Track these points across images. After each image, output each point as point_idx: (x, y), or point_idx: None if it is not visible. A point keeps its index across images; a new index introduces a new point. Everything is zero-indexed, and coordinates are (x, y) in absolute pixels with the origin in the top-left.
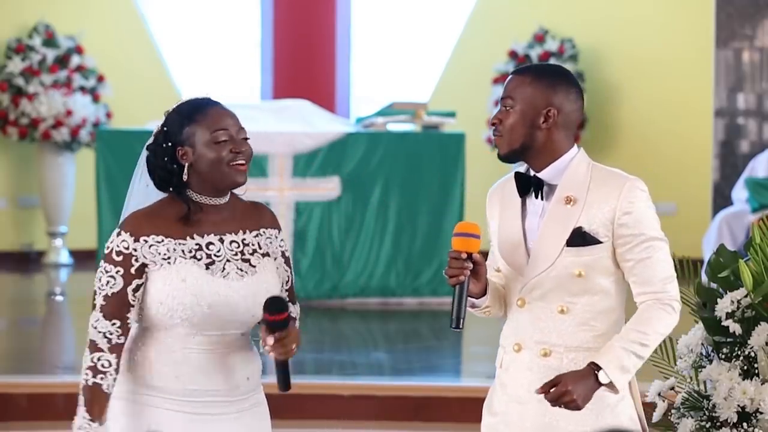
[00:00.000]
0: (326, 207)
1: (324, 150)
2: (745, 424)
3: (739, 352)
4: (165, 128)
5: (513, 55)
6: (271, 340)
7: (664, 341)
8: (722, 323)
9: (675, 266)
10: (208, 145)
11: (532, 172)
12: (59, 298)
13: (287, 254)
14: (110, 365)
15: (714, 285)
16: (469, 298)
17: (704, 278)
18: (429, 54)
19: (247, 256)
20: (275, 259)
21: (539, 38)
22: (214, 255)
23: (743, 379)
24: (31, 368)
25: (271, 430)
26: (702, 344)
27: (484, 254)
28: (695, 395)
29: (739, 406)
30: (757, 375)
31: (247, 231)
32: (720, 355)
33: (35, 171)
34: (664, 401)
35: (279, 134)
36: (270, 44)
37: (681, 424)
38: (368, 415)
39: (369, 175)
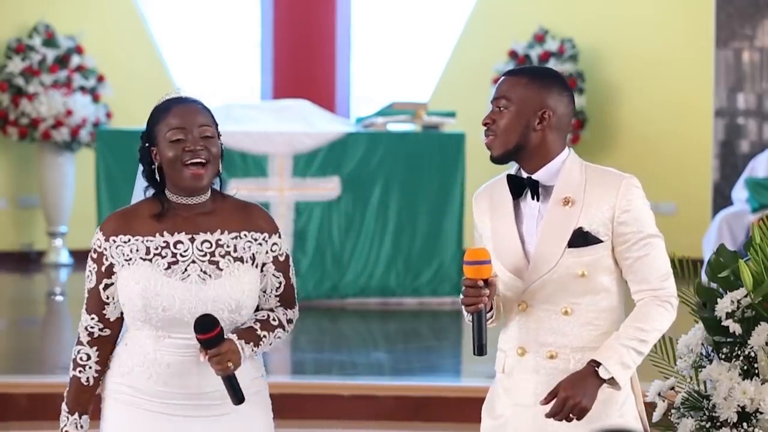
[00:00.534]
0: (326, 207)
1: (324, 150)
2: (745, 424)
3: (739, 352)
4: (145, 129)
5: (513, 55)
6: (202, 358)
7: (663, 341)
8: (722, 323)
9: (674, 266)
10: (166, 144)
11: (524, 174)
12: (59, 298)
13: (282, 258)
14: (89, 358)
15: (714, 285)
16: None
17: (704, 278)
18: (429, 54)
19: (217, 258)
20: (255, 264)
21: (539, 38)
22: (180, 255)
23: (743, 379)
24: (31, 368)
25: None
26: (702, 344)
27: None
28: (695, 395)
29: (739, 406)
30: (757, 375)
31: (225, 232)
32: (720, 355)
33: (35, 171)
34: (664, 401)
35: (279, 134)
36: (270, 44)
37: (681, 424)
38: (368, 415)
39: (369, 175)
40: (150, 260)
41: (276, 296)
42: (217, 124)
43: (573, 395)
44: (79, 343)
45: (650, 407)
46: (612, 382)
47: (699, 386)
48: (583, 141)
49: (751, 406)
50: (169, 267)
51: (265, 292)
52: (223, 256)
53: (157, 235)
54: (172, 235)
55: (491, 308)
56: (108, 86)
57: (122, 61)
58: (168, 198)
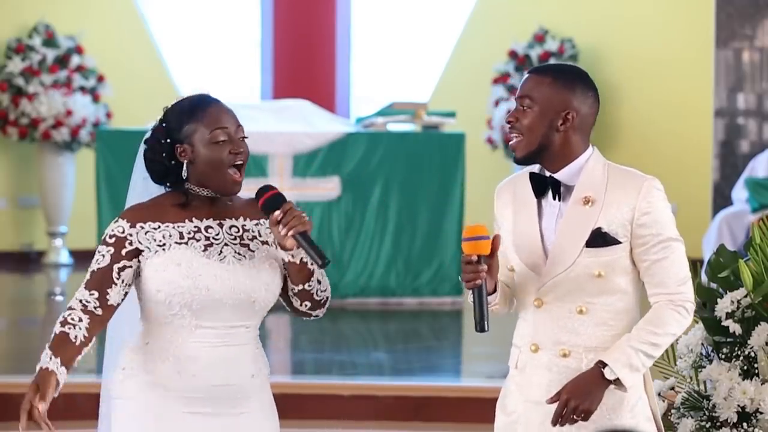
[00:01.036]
0: (326, 207)
1: (324, 150)
2: (745, 424)
3: (739, 352)
4: (164, 124)
5: (513, 55)
6: (279, 214)
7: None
8: (722, 323)
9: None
10: (206, 145)
11: (546, 173)
12: (59, 298)
13: None
14: (81, 320)
15: (714, 285)
16: None
17: (704, 278)
18: (429, 54)
19: (246, 242)
20: (276, 248)
21: (539, 38)
22: (213, 238)
23: (743, 379)
24: (31, 368)
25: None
26: (702, 344)
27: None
28: (695, 395)
29: (739, 406)
30: (757, 375)
31: (248, 219)
32: (720, 355)
33: (35, 171)
34: (664, 401)
35: (279, 134)
36: (270, 44)
37: (681, 424)
38: (368, 415)
39: (369, 175)
40: (186, 243)
41: None
42: None
43: (577, 397)
44: (70, 308)
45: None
46: (618, 383)
47: (699, 386)
48: None
49: (751, 406)
50: (205, 249)
51: None
52: (251, 240)
53: (186, 221)
54: (201, 221)
55: (495, 290)
56: (108, 86)
57: (122, 61)
58: (190, 190)
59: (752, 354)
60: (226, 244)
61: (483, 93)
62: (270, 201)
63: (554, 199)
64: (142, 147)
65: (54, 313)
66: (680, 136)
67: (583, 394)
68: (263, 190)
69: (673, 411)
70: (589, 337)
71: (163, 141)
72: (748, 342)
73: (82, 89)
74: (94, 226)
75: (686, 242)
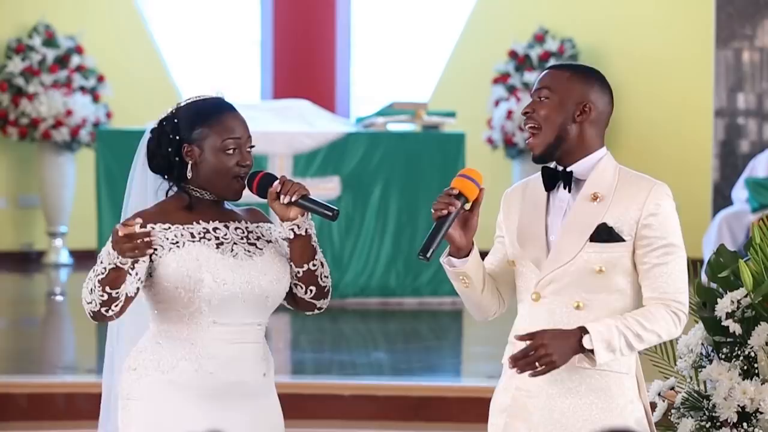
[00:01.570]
0: None
1: (324, 150)
2: (745, 424)
3: (739, 352)
4: (176, 120)
5: (513, 55)
6: (277, 185)
7: (663, 341)
8: (722, 323)
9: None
10: (215, 152)
11: (559, 168)
12: (59, 298)
13: None
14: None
15: (714, 285)
16: (450, 258)
17: (704, 278)
18: (429, 54)
19: (253, 241)
20: (279, 245)
21: (539, 38)
22: (222, 237)
23: (743, 379)
24: (31, 368)
25: (284, 429)
26: (702, 344)
27: (483, 253)
28: (695, 395)
29: (739, 406)
30: (757, 375)
31: (249, 222)
32: (720, 355)
33: (35, 171)
34: (664, 401)
35: (279, 134)
36: (270, 44)
37: (681, 424)
38: (368, 415)
39: (369, 175)
40: (199, 241)
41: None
42: None
43: (549, 347)
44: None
45: (650, 407)
46: (589, 357)
47: (699, 386)
48: None
49: (751, 406)
50: (218, 247)
51: None
52: (257, 239)
53: (194, 222)
54: (208, 222)
55: (469, 253)
56: (108, 86)
57: (122, 61)
58: (194, 191)
59: (752, 354)
60: (235, 243)
61: (483, 93)
62: (264, 180)
63: (564, 189)
64: (147, 135)
65: (54, 314)
66: (680, 136)
67: (557, 346)
68: (253, 175)
69: (673, 411)
70: None
71: (171, 136)
72: (748, 342)
73: (82, 89)
74: (94, 226)
75: (686, 242)
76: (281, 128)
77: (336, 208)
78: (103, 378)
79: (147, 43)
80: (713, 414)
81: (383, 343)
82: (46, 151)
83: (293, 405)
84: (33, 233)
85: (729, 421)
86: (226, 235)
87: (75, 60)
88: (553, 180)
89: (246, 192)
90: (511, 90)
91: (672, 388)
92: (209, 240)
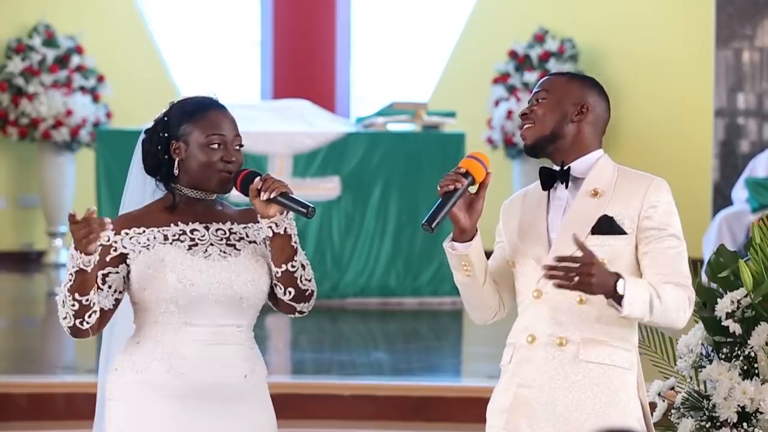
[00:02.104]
0: (326, 207)
1: (324, 150)
2: (745, 424)
3: (739, 352)
4: (166, 118)
5: (513, 55)
6: (258, 181)
7: (663, 341)
8: (722, 323)
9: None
10: (200, 147)
11: (557, 168)
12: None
13: None
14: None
15: (714, 285)
16: (452, 243)
17: (704, 278)
18: (429, 54)
19: (233, 242)
20: (267, 246)
21: (539, 38)
22: (198, 239)
23: (743, 379)
24: (31, 368)
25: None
26: (702, 344)
27: (488, 253)
28: (695, 395)
29: (739, 406)
30: (757, 375)
31: (235, 223)
32: (720, 355)
33: (35, 171)
34: (664, 401)
35: (279, 134)
36: (270, 44)
37: (681, 424)
38: (368, 415)
39: (369, 175)
40: (170, 243)
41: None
42: None
43: (594, 268)
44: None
45: (650, 407)
46: (618, 301)
47: (699, 386)
48: None
49: (751, 406)
50: (190, 248)
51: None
52: (238, 240)
53: (172, 224)
54: (187, 224)
55: (472, 239)
56: (108, 86)
57: (122, 61)
58: (180, 191)
59: (752, 354)
60: (211, 244)
61: (483, 93)
62: (247, 177)
63: (562, 184)
64: (142, 136)
65: (54, 314)
66: (680, 136)
67: (600, 275)
68: (238, 173)
69: (673, 411)
70: (587, 328)
71: (161, 134)
72: (748, 342)
73: (82, 89)
74: None
75: (686, 242)
76: (281, 128)
77: (312, 205)
78: (98, 378)
79: (147, 43)
80: (713, 414)
81: (383, 343)
82: (46, 151)
83: (293, 405)
84: (33, 233)
85: (729, 421)
86: (203, 236)
87: (75, 60)
88: (551, 179)
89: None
90: (511, 90)
91: (672, 388)
92: (182, 242)
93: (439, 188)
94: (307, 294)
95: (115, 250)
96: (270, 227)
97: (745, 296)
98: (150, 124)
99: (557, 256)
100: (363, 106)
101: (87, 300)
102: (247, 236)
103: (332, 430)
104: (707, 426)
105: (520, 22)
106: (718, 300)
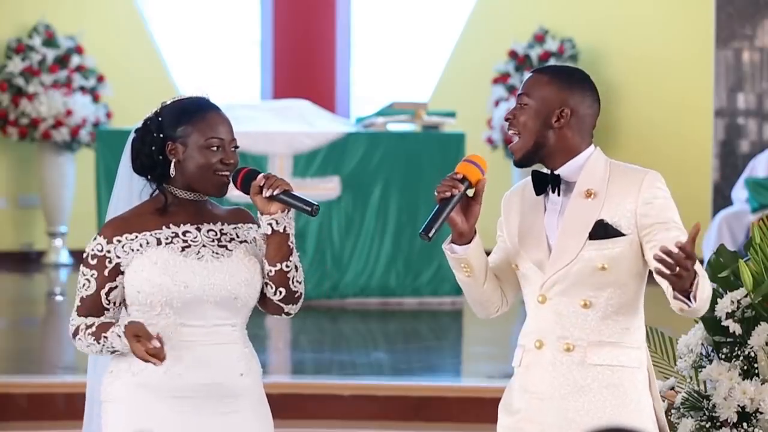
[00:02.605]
0: (326, 207)
1: (324, 150)
2: (745, 424)
3: (739, 352)
4: (160, 119)
5: (513, 55)
6: (260, 178)
7: (663, 341)
8: (722, 323)
9: None
10: (199, 150)
11: (547, 171)
12: (59, 298)
13: None
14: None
15: (714, 285)
16: (451, 245)
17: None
18: (429, 54)
19: (224, 243)
20: (257, 246)
21: (539, 38)
22: (191, 240)
23: (743, 379)
24: (31, 368)
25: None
26: (702, 344)
27: (488, 252)
28: (695, 395)
29: (739, 406)
30: (757, 375)
31: (226, 223)
32: (720, 355)
33: (35, 171)
34: (664, 401)
35: (279, 134)
36: (270, 44)
37: (681, 424)
38: (368, 415)
39: (369, 175)
40: (164, 246)
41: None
42: None
43: (693, 264)
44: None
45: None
46: (691, 294)
47: (699, 386)
48: None
49: (751, 406)
50: (183, 250)
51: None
52: (229, 241)
53: (164, 227)
54: (179, 226)
55: (470, 241)
56: (108, 86)
57: (122, 61)
58: (172, 192)
59: (752, 354)
60: (204, 245)
61: (483, 93)
62: (248, 175)
63: (553, 192)
64: (131, 135)
65: (54, 314)
66: (680, 136)
67: (692, 271)
68: (238, 172)
69: (673, 411)
70: (592, 331)
71: (155, 134)
72: (748, 342)
73: (82, 89)
74: (94, 226)
75: None
76: (281, 128)
77: (316, 203)
78: (87, 379)
79: (147, 43)
80: (713, 414)
81: (383, 343)
82: (46, 151)
83: (293, 405)
84: (33, 233)
85: (729, 421)
86: (195, 237)
87: (75, 60)
88: (543, 184)
89: (241, 192)
90: (511, 90)
91: (672, 388)
92: (175, 244)
93: (436, 194)
94: (296, 296)
95: (110, 262)
96: (270, 224)
97: (745, 296)
98: (139, 123)
99: (668, 248)
100: (363, 106)
101: (98, 327)
102: (238, 236)
103: (332, 430)
104: (707, 426)
105: (520, 22)
106: (718, 300)
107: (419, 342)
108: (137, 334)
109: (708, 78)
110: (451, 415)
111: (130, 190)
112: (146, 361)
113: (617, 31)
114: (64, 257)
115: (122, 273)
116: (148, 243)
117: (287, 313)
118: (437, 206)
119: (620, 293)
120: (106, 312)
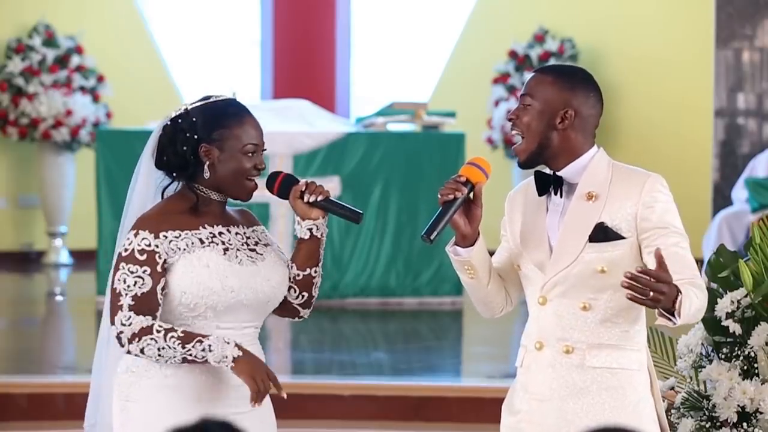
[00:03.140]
0: None
1: (324, 150)
2: (745, 424)
3: (739, 352)
4: (194, 119)
5: (513, 55)
6: (302, 184)
7: (663, 341)
8: (722, 323)
9: None
10: (236, 155)
11: (549, 172)
12: (59, 298)
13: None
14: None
15: (714, 285)
16: (455, 247)
17: (704, 278)
18: (429, 54)
19: (252, 246)
20: (275, 247)
21: (539, 38)
22: (227, 243)
23: (743, 379)
24: (31, 368)
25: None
26: (702, 344)
27: (492, 252)
28: (695, 395)
29: (739, 406)
30: (757, 375)
31: (243, 226)
32: (720, 355)
33: (35, 171)
34: (664, 401)
35: (279, 134)
36: (270, 44)
37: (681, 424)
38: (368, 415)
39: (369, 175)
40: (208, 246)
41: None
42: None
43: (667, 289)
44: (138, 336)
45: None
46: (673, 313)
47: (699, 386)
48: None
49: (751, 406)
50: (224, 253)
51: None
52: (256, 244)
53: (201, 227)
54: (213, 227)
55: (473, 244)
56: (108, 86)
57: (122, 61)
58: (202, 192)
59: (752, 354)
60: (238, 249)
61: (483, 93)
62: (286, 180)
63: (555, 194)
64: (158, 132)
65: (54, 314)
66: (680, 136)
67: (669, 294)
68: (275, 175)
69: (673, 411)
70: (592, 333)
71: (188, 135)
72: (748, 342)
73: (82, 89)
74: (94, 226)
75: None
76: (281, 128)
77: (361, 211)
78: (92, 377)
79: (147, 43)
80: (713, 414)
81: (383, 343)
82: (46, 151)
83: (293, 405)
84: (33, 233)
85: (729, 421)
86: (229, 240)
87: (75, 60)
88: (545, 185)
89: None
90: (511, 90)
91: (672, 388)
92: (216, 245)
93: (439, 197)
94: (313, 300)
95: (160, 257)
96: (310, 229)
97: (745, 296)
98: (165, 120)
99: (638, 269)
100: (363, 106)
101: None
102: (260, 240)
103: (332, 430)
104: (707, 426)
105: (520, 22)
106: (718, 300)
107: (419, 342)
108: (267, 372)
109: (708, 78)
110: (451, 415)
111: (148, 184)
112: (253, 391)
113: (617, 31)
114: (64, 257)
115: (166, 270)
116: (192, 243)
117: (301, 317)
118: (440, 209)
119: (620, 296)
120: (160, 308)
